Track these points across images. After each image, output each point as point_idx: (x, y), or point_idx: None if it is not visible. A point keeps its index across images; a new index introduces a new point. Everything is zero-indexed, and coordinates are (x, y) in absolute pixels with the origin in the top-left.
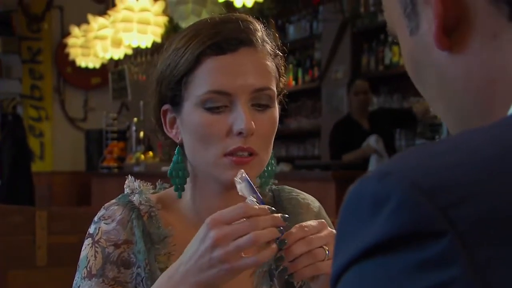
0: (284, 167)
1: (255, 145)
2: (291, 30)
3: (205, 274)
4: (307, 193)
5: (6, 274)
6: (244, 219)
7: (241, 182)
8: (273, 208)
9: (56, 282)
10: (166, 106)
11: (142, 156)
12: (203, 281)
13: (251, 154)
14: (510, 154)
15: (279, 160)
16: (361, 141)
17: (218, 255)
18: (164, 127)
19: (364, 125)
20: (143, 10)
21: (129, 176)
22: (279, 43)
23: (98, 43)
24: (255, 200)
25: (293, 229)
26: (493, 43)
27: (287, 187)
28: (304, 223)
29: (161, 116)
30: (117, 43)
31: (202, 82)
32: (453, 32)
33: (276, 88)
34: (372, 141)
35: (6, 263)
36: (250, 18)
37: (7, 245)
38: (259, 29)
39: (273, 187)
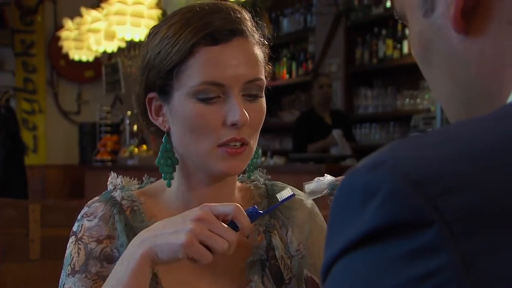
0: (278, 160)
1: (247, 135)
2: (285, 23)
3: (165, 238)
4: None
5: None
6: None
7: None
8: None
9: (49, 275)
10: (152, 94)
11: (136, 150)
12: (157, 245)
13: (242, 144)
14: (501, 147)
15: (273, 153)
16: (323, 134)
17: (192, 224)
18: (149, 114)
19: (326, 120)
20: (137, 3)
21: (112, 172)
22: (265, 33)
23: (91, 36)
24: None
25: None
26: (509, 29)
27: (279, 182)
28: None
29: (146, 104)
30: (110, 36)
31: (195, 73)
32: (471, 16)
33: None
34: (336, 134)
35: None
36: (239, 7)
37: (0, 238)
38: (248, 19)
39: (266, 181)
